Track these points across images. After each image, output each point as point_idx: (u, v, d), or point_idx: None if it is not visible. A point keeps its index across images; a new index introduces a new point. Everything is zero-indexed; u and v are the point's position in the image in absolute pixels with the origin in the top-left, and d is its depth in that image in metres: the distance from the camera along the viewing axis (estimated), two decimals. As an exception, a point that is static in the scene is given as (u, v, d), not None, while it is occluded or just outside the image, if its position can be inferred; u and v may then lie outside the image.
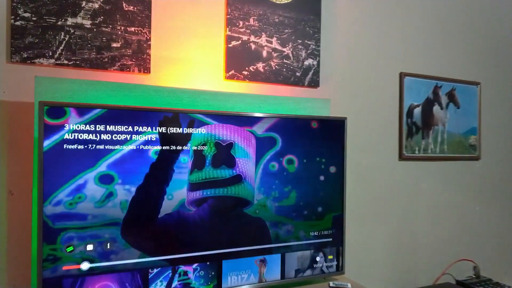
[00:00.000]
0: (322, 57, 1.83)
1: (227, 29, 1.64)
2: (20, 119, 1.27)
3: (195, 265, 1.31)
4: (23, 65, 1.31)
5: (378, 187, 1.98)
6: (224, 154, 1.33)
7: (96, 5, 1.41)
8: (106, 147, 1.16)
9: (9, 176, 1.25)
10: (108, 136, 1.16)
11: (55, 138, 1.10)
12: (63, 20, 1.36)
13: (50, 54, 1.35)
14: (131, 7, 1.47)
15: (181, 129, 1.27)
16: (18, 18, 1.29)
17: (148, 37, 1.50)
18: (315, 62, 1.83)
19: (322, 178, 1.55)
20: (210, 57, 1.61)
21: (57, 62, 1.36)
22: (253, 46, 1.70)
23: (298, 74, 1.80)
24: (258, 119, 1.41)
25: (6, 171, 1.25)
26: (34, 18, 1.32)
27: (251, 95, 1.59)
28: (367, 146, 1.95)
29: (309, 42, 1.82)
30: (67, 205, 1.11)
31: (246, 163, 1.38)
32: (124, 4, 1.46)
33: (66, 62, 1.37)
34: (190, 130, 1.28)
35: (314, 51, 1.83)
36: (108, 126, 1.16)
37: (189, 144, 1.28)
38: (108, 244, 1.17)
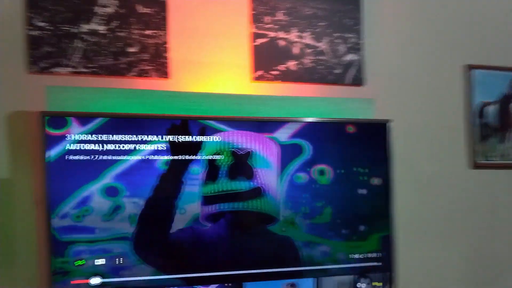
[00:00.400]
0: (367, 51, 1.77)
1: (253, 26, 1.66)
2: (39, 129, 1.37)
3: (213, 286, 1.32)
4: (41, 75, 1.44)
5: (443, 200, 1.84)
6: (241, 164, 1.34)
7: (110, 10, 1.51)
8: (110, 158, 1.23)
9: (34, 187, 1.35)
10: (112, 146, 1.24)
11: (57, 149, 1.19)
12: (77, 27, 1.48)
13: (67, 62, 1.47)
14: (146, 9, 1.55)
15: (191, 137, 1.30)
16: (34, 28, 1.43)
17: (165, 40, 1.56)
18: (357, 57, 1.78)
19: (363, 191, 1.49)
20: (234, 57, 1.63)
21: (74, 70, 1.47)
22: (282, 43, 1.70)
23: (337, 71, 1.76)
24: (281, 124, 1.40)
25: (31, 182, 1.36)
26: (49, 27, 1.45)
27: (279, 97, 1.59)
28: (427, 152, 1.82)
29: (348, 35, 1.77)
30: (74, 218, 1.20)
31: (267, 174, 1.37)
32: (139, 7, 1.54)
33: (83, 70, 1.48)
34: (201, 138, 1.31)
35: (356, 45, 1.78)
36: (112, 136, 1.23)
37: (200, 154, 1.31)
38: (119, 259, 1.23)
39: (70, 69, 1.45)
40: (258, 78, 1.64)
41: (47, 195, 1.17)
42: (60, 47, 1.45)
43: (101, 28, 1.49)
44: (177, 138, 1.28)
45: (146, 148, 1.24)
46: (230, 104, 1.49)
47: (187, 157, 1.28)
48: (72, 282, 1.20)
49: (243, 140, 1.33)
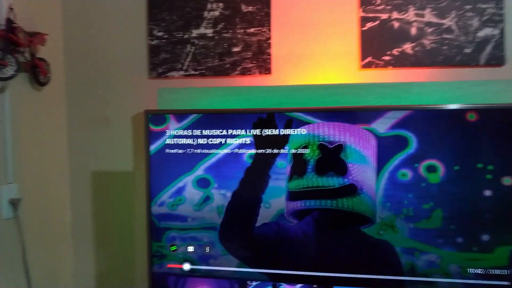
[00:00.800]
0: (509, 23, 1.46)
1: (361, 9, 1.54)
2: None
3: (299, 286, 1.29)
4: (160, 80, 1.64)
5: None
6: (332, 158, 1.26)
7: (217, 13, 1.61)
8: (202, 151, 1.32)
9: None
10: (204, 140, 1.32)
11: (158, 143, 1.34)
12: (189, 33, 1.63)
13: (180, 66, 1.63)
14: (250, 7, 1.60)
15: (276, 130, 1.29)
16: (153, 38, 1.64)
17: (268, 36, 1.59)
18: (496, 32, 1.48)
19: (488, 193, 1.23)
20: (339, 46, 1.56)
21: (185, 73, 1.63)
22: (396, 25, 1.54)
23: (467, 50, 1.50)
24: (379, 113, 1.26)
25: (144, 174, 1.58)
26: (165, 36, 1.63)
27: (387, 84, 1.44)
28: None
29: (484, 6, 1.49)
30: (169, 206, 1.33)
31: (363, 170, 1.26)
32: (242, 6, 1.60)
33: (193, 72, 1.62)
34: (287, 131, 1.28)
35: (494, 17, 1.48)
36: (203, 131, 1.31)
37: (286, 147, 1.28)
38: (207, 248, 1.32)
39: (182, 73, 1.60)
40: (367, 66, 1.52)
41: (149, 185, 1.32)
42: (174, 53, 1.61)
43: (209, 32, 1.60)
44: (263, 132, 1.28)
45: (234, 142, 1.29)
46: (329, 95, 1.42)
47: (272, 150, 1.27)
48: (168, 265, 1.32)
49: (333, 132, 1.25)
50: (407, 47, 1.52)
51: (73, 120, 1.68)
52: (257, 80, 1.57)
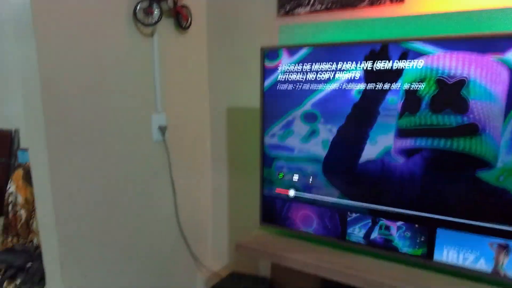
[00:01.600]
0: None
1: None
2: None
3: (399, 223, 1.24)
4: (287, 17, 1.68)
5: None
6: (451, 95, 1.13)
7: None
8: (311, 87, 1.33)
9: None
10: (313, 75, 1.33)
11: (271, 79, 1.41)
12: (315, -34, 1.59)
13: (306, 2, 1.63)
14: None
15: (390, 63, 1.21)
16: (282, -24, 1.66)
17: (404, -40, 1.44)
18: None
19: None
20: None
21: (311, 9, 1.63)
22: None
23: None
24: (518, 40, 1.05)
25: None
26: (294, -27, 1.64)
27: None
28: None
29: None
30: (279, 138, 1.41)
31: (487, 108, 1.10)
32: None
33: (318, 7, 1.61)
34: (402, 64, 1.19)
35: None
36: (313, 65, 1.32)
37: (399, 82, 1.20)
38: (311, 178, 1.37)
39: (308, 8, 1.60)
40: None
41: (262, 118, 1.43)
42: (302, -11, 1.61)
43: (337, -38, 1.54)
44: (374, 66, 1.22)
45: (343, 77, 1.26)
46: (470, 25, 1.23)
47: (383, 86, 1.21)
48: (276, 190, 1.43)
49: (456, 64, 1.10)
50: None
51: (212, 59, 1.87)
52: (387, 11, 1.45)
